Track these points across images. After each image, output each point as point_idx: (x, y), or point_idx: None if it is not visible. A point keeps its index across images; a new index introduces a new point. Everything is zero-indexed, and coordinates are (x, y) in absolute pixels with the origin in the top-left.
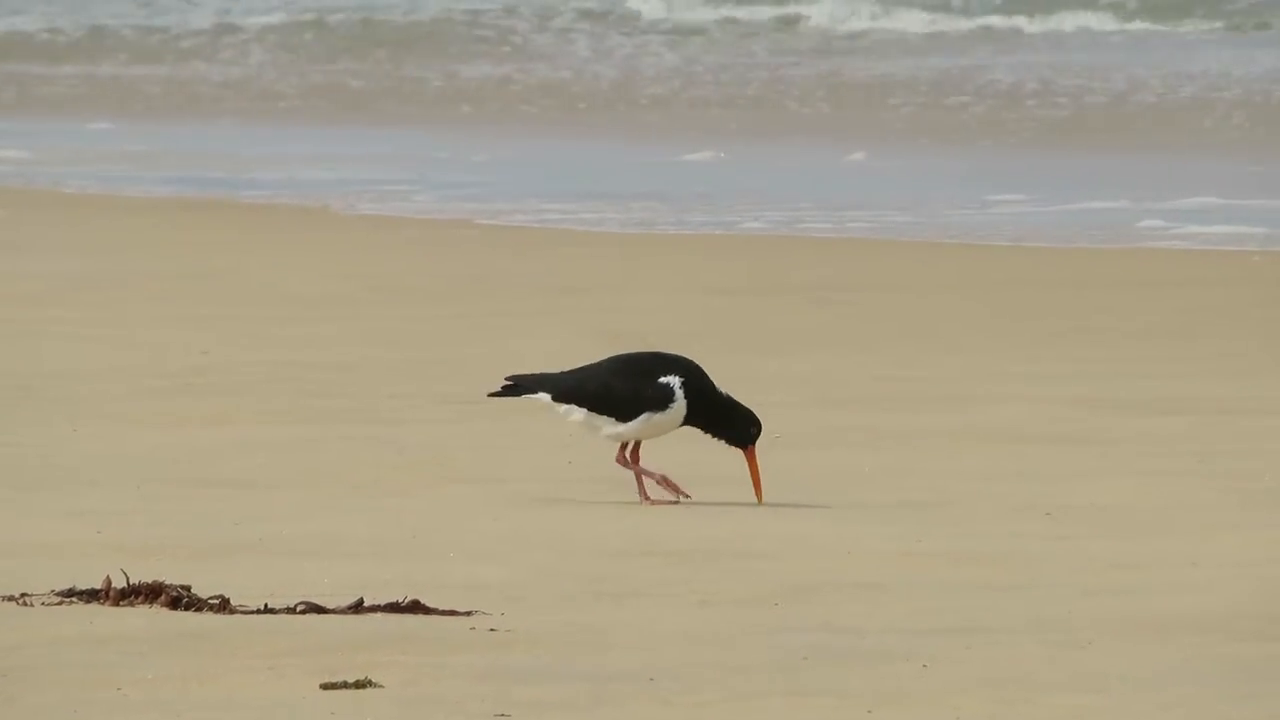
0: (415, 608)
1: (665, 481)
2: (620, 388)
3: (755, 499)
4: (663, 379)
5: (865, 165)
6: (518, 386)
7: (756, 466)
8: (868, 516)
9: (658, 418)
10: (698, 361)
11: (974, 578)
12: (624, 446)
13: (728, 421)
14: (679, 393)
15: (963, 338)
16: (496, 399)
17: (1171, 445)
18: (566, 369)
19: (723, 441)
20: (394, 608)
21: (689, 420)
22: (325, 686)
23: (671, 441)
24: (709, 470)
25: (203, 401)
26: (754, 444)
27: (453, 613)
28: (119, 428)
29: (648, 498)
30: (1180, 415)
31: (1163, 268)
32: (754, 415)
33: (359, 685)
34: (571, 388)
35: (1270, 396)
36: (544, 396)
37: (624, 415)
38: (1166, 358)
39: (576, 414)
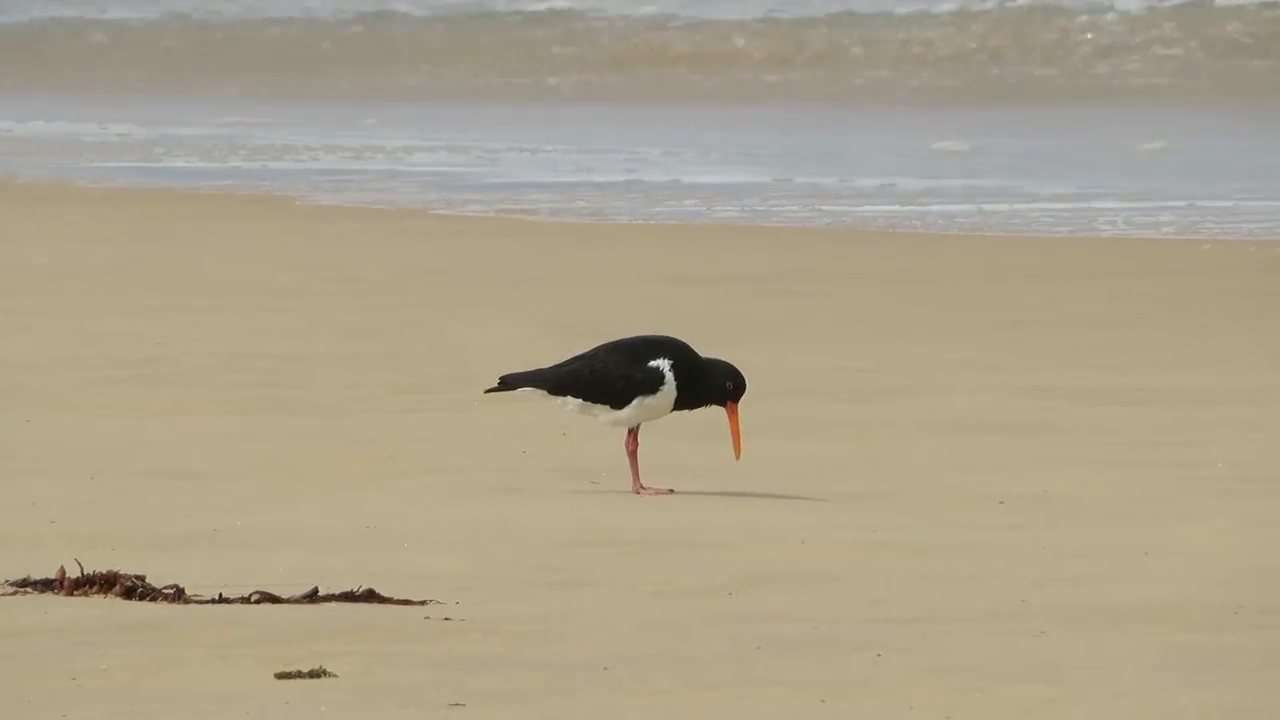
0: (370, 597)
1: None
2: (611, 374)
3: (734, 455)
4: (652, 363)
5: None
6: (509, 383)
7: (735, 422)
8: (822, 507)
9: (649, 401)
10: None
11: (927, 568)
12: (631, 433)
13: (708, 385)
14: (669, 375)
15: (916, 328)
16: (493, 394)
17: (1124, 435)
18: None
19: (711, 406)
20: (349, 597)
21: (682, 403)
22: (280, 676)
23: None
24: (666, 460)
25: (156, 392)
26: (734, 400)
27: (407, 602)
28: (73, 418)
29: (641, 487)
30: (1132, 405)
31: (1115, 258)
32: (732, 370)
33: (313, 675)
34: (564, 379)
35: (1222, 386)
36: (539, 390)
37: (617, 402)
38: (1118, 348)
39: (572, 404)
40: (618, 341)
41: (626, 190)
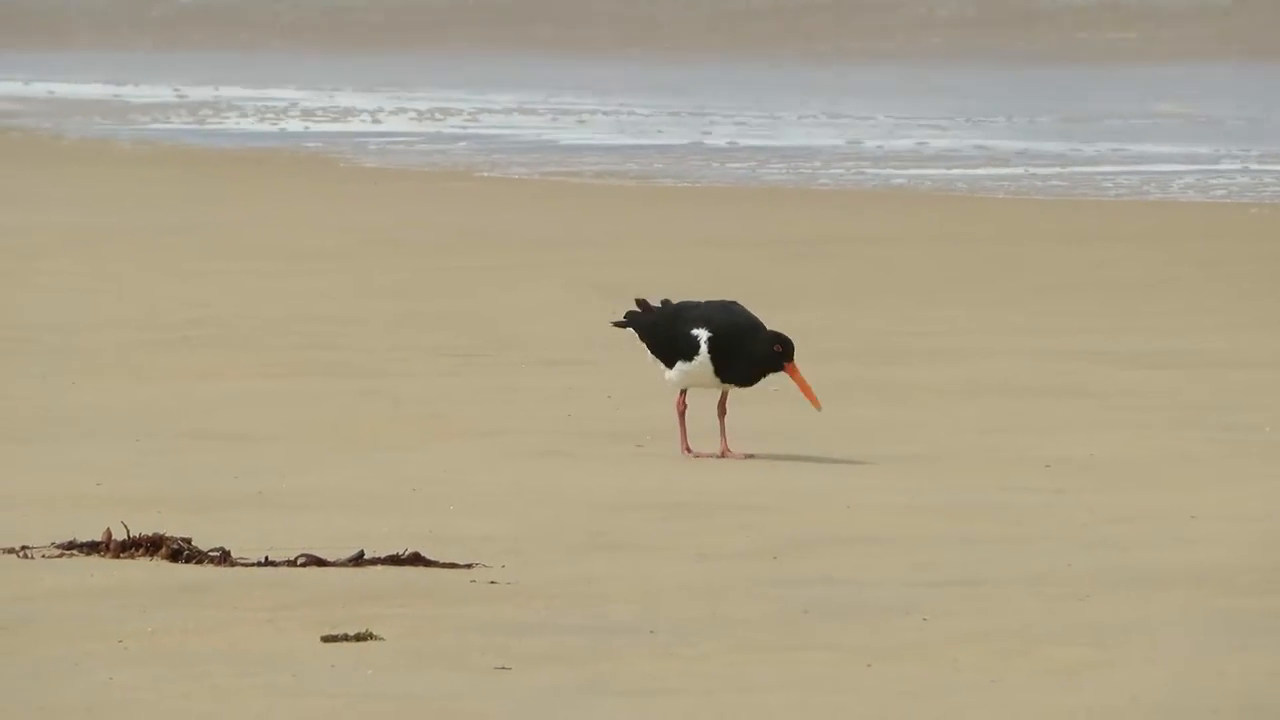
0: (415, 560)
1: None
2: (663, 334)
3: (813, 406)
4: (693, 330)
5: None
6: (626, 319)
7: (799, 378)
8: (867, 470)
9: (686, 368)
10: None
11: (972, 531)
12: (682, 394)
13: (757, 357)
14: (703, 346)
15: (959, 291)
16: (618, 328)
17: (1169, 398)
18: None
19: (757, 380)
20: (394, 560)
21: (732, 377)
22: (326, 639)
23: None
24: (711, 423)
25: (201, 354)
26: (789, 360)
27: (453, 565)
28: (117, 381)
29: (688, 449)
30: (1178, 368)
31: (1159, 221)
32: (775, 334)
33: (360, 638)
34: (646, 327)
35: (1267, 349)
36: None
37: (668, 362)
38: (1163, 311)
39: (648, 355)
40: (684, 302)
41: (687, 153)
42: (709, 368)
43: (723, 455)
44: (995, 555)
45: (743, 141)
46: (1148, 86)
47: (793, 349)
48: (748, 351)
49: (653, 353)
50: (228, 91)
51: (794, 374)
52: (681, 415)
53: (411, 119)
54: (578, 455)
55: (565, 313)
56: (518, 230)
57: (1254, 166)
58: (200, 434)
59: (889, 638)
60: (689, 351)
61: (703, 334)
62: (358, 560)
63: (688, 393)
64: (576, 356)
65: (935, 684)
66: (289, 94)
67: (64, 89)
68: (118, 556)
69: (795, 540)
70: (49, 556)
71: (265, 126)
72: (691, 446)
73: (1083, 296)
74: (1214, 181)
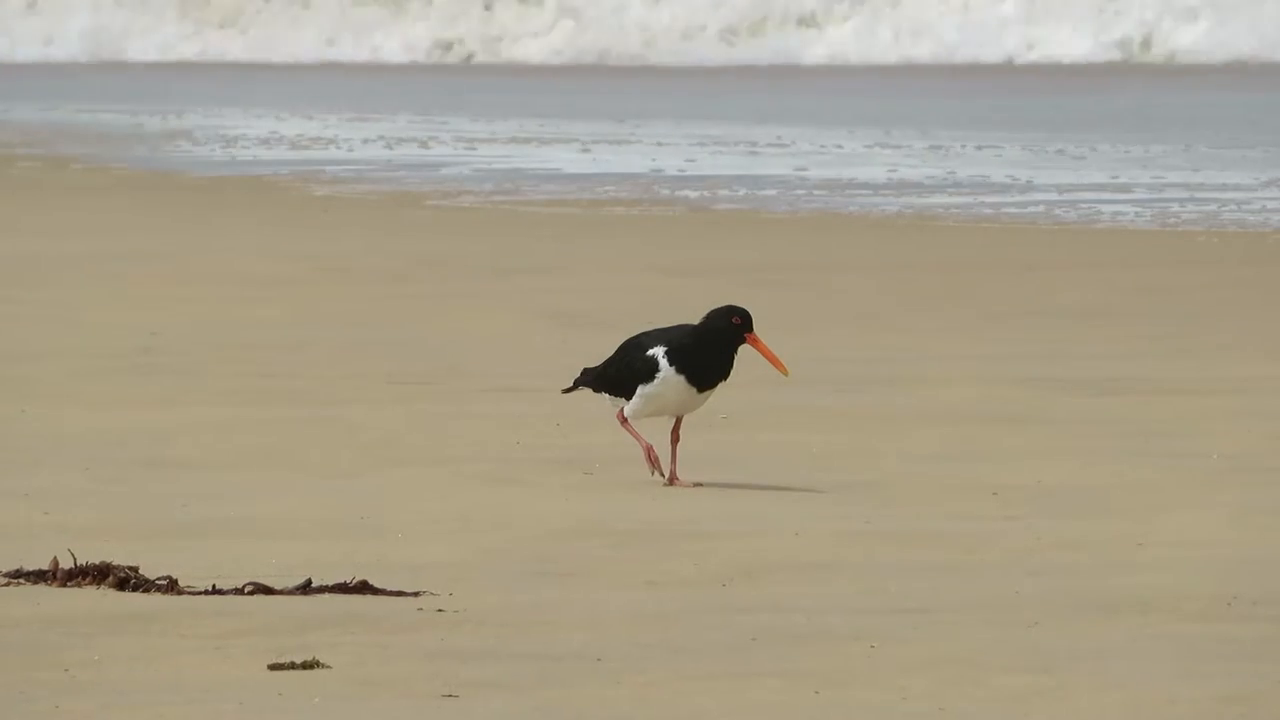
0: (363, 588)
1: (650, 453)
2: (615, 368)
3: (781, 372)
4: (649, 351)
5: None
6: (576, 383)
7: (763, 347)
8: (815, 497)
9: (650, 390)
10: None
11: (921, 558)
12: (677, 423)
13: (718, 342)
14: (663, 361)
15: (908, 319)
16: (568, 394)
17: (1117, 425)
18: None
19: (732, 363)
20: (342, 588)
21: (701, 381)
22: (273, 667)
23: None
24: (661, 450)
25: (151, 382)
26: (749, 330)
27: (400, 593)
28: (66, 409)
29: (675, 478)
30: (1125, 395)
31: (1107, 247)
32: (727, 309)
33: (307, 666)
34: (596, 376)
35: (1215, 376)
36: (589, 388)
37: (626, 394)
38: (1111, 338)
39: (608, 400)
40: (630, 337)
41: (638, 180)
42: (678, 380)
43: (671, 483)
44: (944, 582)
45: (692, 170)
46: (1101, 117)
47: (750, 318)
48: (708, 344)
49: (612, 394)
50: (181, 119)
51: (756, 343)
52: (630, 429)
53: (363, 146)
54: (527, 483)
55: (515, 340)
56: (468, 258)
57: (1200, 194)
58: (149, 462)
59: (837, 665)
60: (649, 372)
61: (659, 350)
62: (305, 588)
63: (679, 422)
64: (526, 384)
65: (884, 711)
66: (241, 121)
67: (13, 114)
68: (65, 585)
69: (744, 568)
70: None
71: (217, 154)
72: (680, 478)
73: (1031, 323)
74: (1163, 209)
